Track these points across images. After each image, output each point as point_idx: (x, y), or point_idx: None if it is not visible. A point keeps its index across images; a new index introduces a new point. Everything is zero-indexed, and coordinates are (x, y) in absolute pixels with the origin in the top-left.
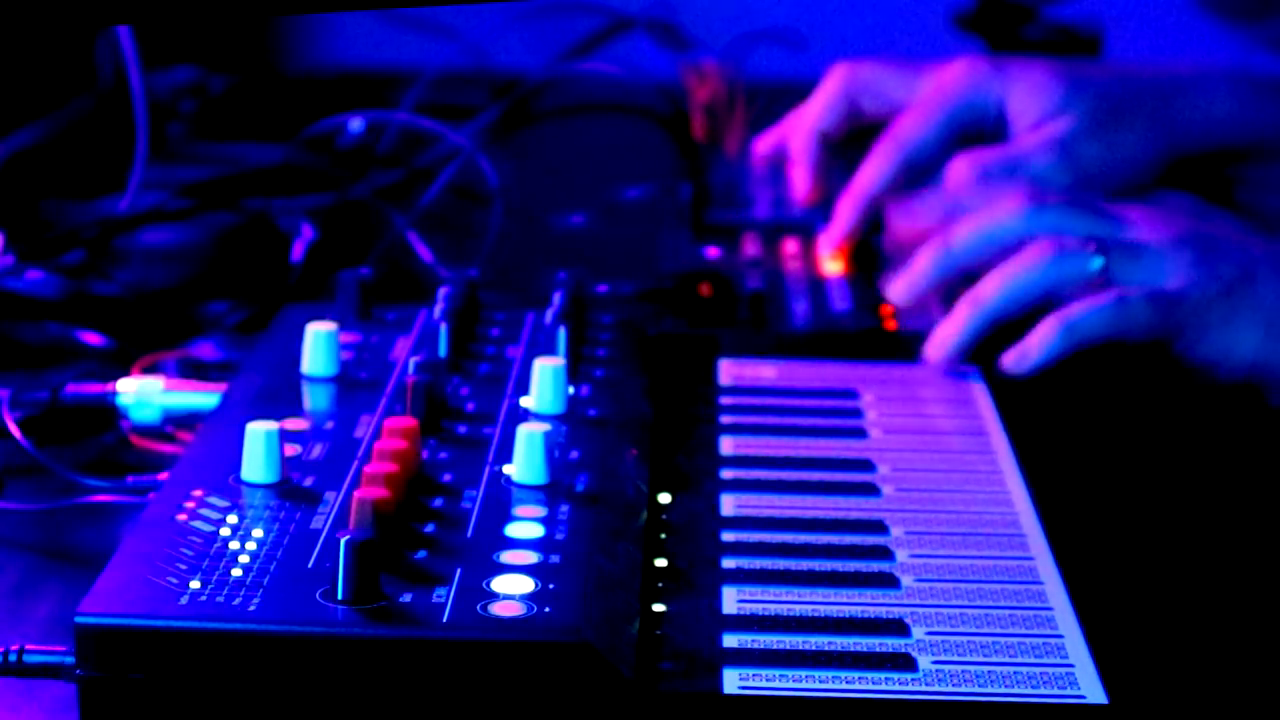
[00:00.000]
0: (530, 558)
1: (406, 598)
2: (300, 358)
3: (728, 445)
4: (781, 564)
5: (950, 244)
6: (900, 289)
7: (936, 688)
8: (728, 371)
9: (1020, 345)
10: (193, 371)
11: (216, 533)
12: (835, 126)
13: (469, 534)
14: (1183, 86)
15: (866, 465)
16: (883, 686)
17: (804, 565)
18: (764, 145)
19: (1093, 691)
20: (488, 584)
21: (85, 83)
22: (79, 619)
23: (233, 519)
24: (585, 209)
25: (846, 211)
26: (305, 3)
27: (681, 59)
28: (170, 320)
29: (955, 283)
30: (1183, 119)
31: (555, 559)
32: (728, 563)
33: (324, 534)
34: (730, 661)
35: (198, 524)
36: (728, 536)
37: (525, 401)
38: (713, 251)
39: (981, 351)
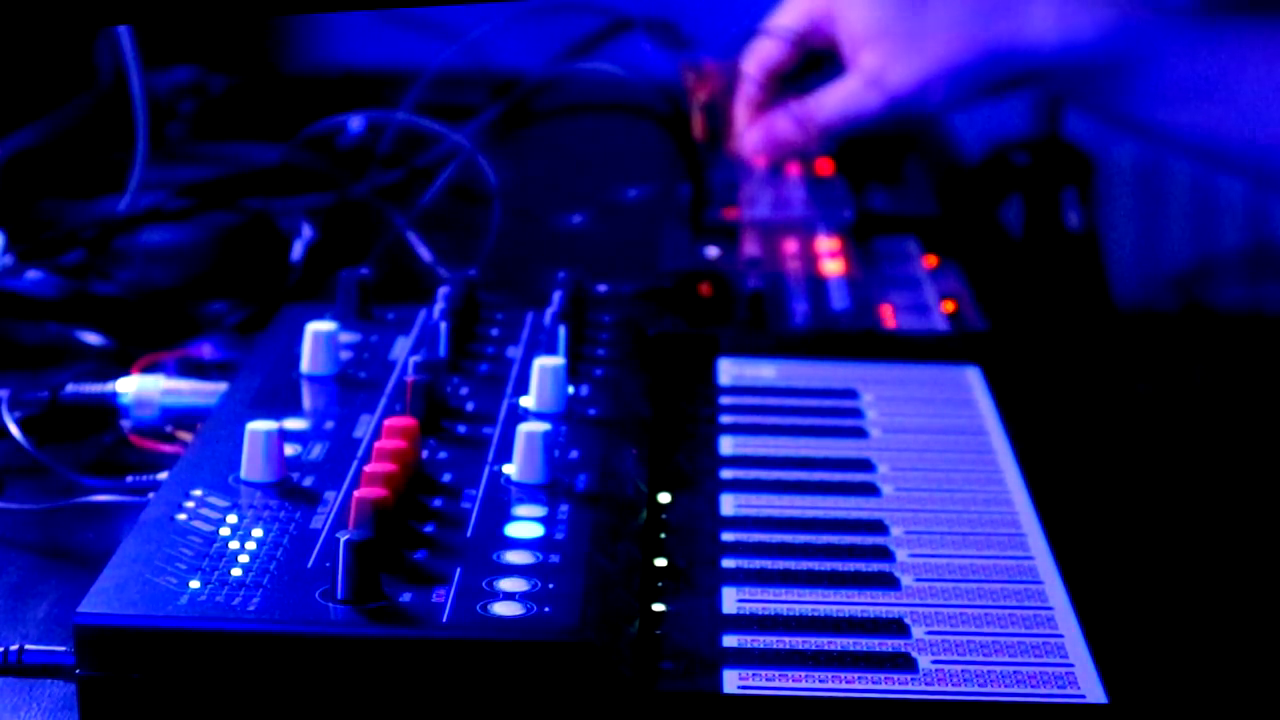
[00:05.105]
0: (530, 558)
1: (406, 597)
2: (300, 357)
3: (727, 445)
4: (781, 564)
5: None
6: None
7: (936, 688)
8: (727, 371)
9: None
10: (193, 371)
11: (216, 532)
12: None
13: (469, 534)
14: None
15: (866, 465)
16: (882, 686)
17: (804, 565)
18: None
19: (1093, 691)
20: (487, 584)
21: (85, 83)
22: (79, 618)
23: (232, 519)
24: (585, 209)
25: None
26: (305, 3)
27: (681, 59)
28: (170, 320)
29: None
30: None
31: (555, 559)
32: (727, 563)
33: (324, 534)
34: (730, 661)
35: (197, 524)
36: (727, 536)
37: (525, 401)
38: (712, 251)
39: (981, 351)
